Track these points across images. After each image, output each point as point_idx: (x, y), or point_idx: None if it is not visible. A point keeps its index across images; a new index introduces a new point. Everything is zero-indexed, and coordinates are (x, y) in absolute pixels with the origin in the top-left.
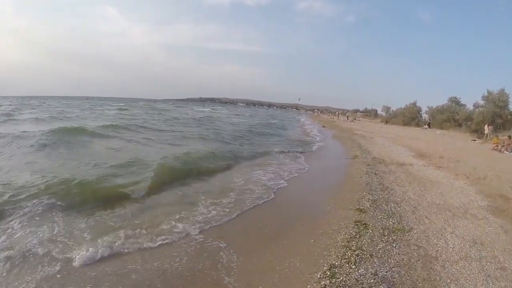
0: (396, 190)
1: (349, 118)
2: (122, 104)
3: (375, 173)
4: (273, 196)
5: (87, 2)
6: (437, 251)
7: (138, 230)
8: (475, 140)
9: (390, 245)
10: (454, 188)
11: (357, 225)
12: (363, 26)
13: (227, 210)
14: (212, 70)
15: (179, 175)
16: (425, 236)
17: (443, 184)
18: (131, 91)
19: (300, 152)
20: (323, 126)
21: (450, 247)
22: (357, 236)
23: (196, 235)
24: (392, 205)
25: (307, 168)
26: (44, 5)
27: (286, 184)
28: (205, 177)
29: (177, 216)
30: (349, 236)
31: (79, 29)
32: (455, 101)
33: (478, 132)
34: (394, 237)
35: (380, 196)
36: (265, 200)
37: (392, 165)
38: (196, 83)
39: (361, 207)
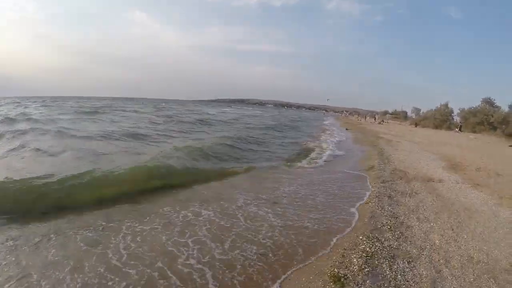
0: (415, 228)
1: (376, 120)
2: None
3: (390, 196)
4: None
5: (116, 8)
6: None
7: None
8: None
9: None
10: (500, 224)
11: None
12: (392, 25)
13: None
14: (241, 71)
15: None
16: None
17: (484, 216)
18: (162, 92)
19: (287, 164)
20: (347, 129)
21: None
22: None
23: None
24: (401, 265)
25: (286, 190)
26: (75, 13)
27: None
28: None
29: None
30: None
31: (111, 34)
32: (489, 102)
33: None
34: None
35: (385, 244)
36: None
37: (416, 182)
38: (225, 84)
39: (342, 273)
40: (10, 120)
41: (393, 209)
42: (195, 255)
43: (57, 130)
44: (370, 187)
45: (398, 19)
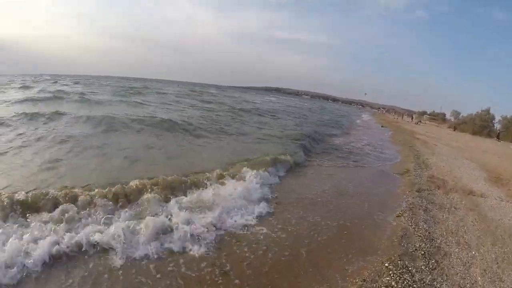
0: (453, 257)
1: (414, 119)
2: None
3: (426, 209)
4: None
5: None
6: None
7: None
8: None
9: None
10: None
11: None
12: (435, 21)
13: None
14: (277, 59)
15: None
16: None
17: None
18: (195, 75)
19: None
20: (382, 126)
21: None
22: None
23: None
24: None
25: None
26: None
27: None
28: None
29: None
30: None
31: (147, 15)
32: None
33: None
34: None
35: (416, 278)
36: None
37: (455, 194)
38: (260, 71)
39: None
40: None
41: (429, 227)
42: None
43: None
44: (404, 196)
45: (440, 16)
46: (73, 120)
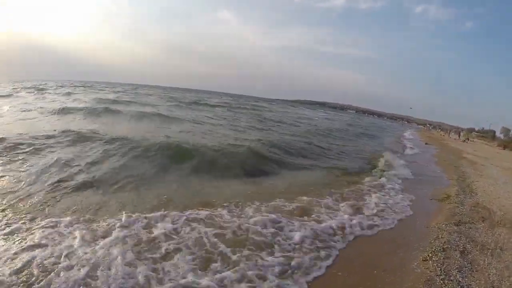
0: None
1: (461, 137)
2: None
3: (463, 251)
4: None
5: (204, 7)
6: None
7: None
8: None
9: None
10: None
11: None
12: (483, 34)
13: None
14: (322, 73)
15: None
16: None
17: None
18: (241, 88)
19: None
20: (426, 143)
21: None
22: None
23: None
24: None
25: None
26: (164, 11)
27: None
28: None
29: None
30: None
31: (196, 31)
32: None
33: None
34: None
35: None
36: None
37: (503, 228)
38: (304, 85)
39: None
40: None
41: (463, 278)
42: None
43: None
44: (438, 230)
45: (488, 26)
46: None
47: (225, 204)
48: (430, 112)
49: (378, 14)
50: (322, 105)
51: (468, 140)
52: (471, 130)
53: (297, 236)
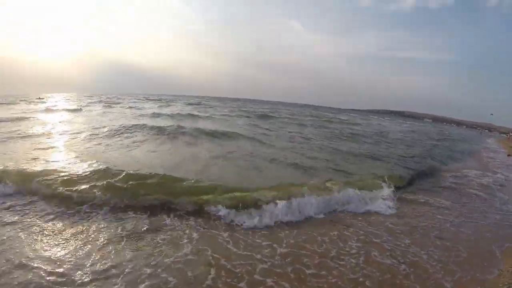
0: None
1: None
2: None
3: None
4: None
5: (272, 18)
6: None
7: None
8: None
9: None
10: None
11: None
12: None
13: None
14: (394, 80)
15: None
16: None
17: None
18: (312, 98)
19: None
20: (509, 155)
21: None
22: None
23: None
24: None
25: None
26: (234, 24)
27: None
28: None
29: None
30: None
31: (263, 41)
32: None
33: None
34: None
35: None
36: None
37: None
38: (376, 93)
39: None
40: None
41: None
42: None
43: None
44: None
45: None
46: None
47: None
48: None
49: (450, 10)
50: (399, 114)
51: None
52: None
53: None
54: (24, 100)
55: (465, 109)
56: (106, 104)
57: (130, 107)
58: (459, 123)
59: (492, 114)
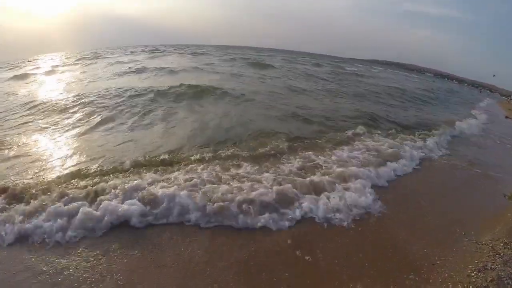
0: None
1: None
2: None
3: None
4: None
5: None
6: None
7: None
8: None
9: None
10: None
11: None
12: None
13: None
14: (400, 34)
15: None
16: None
17: None
18: (315, 46)
19: None
20: (507, 117)
21: None
22: None
23: None
24: None
25: None
26: None
27: None
28: None
29: None
30: None
31: None
32: None
33: None
34: None
35: None
36: None
37: None
38: (379, 44)
39: None
40: None
41: None
42: None
43: None
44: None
45: None
46: None
47: None
48: None
49: None
50: (400, 66)
51: None
52: None
53: None
54: (13, 65)
55: (470, 68)
56: (89, 62)
57: (111, 63)
58: (460, 80)
59: (494, 76)
